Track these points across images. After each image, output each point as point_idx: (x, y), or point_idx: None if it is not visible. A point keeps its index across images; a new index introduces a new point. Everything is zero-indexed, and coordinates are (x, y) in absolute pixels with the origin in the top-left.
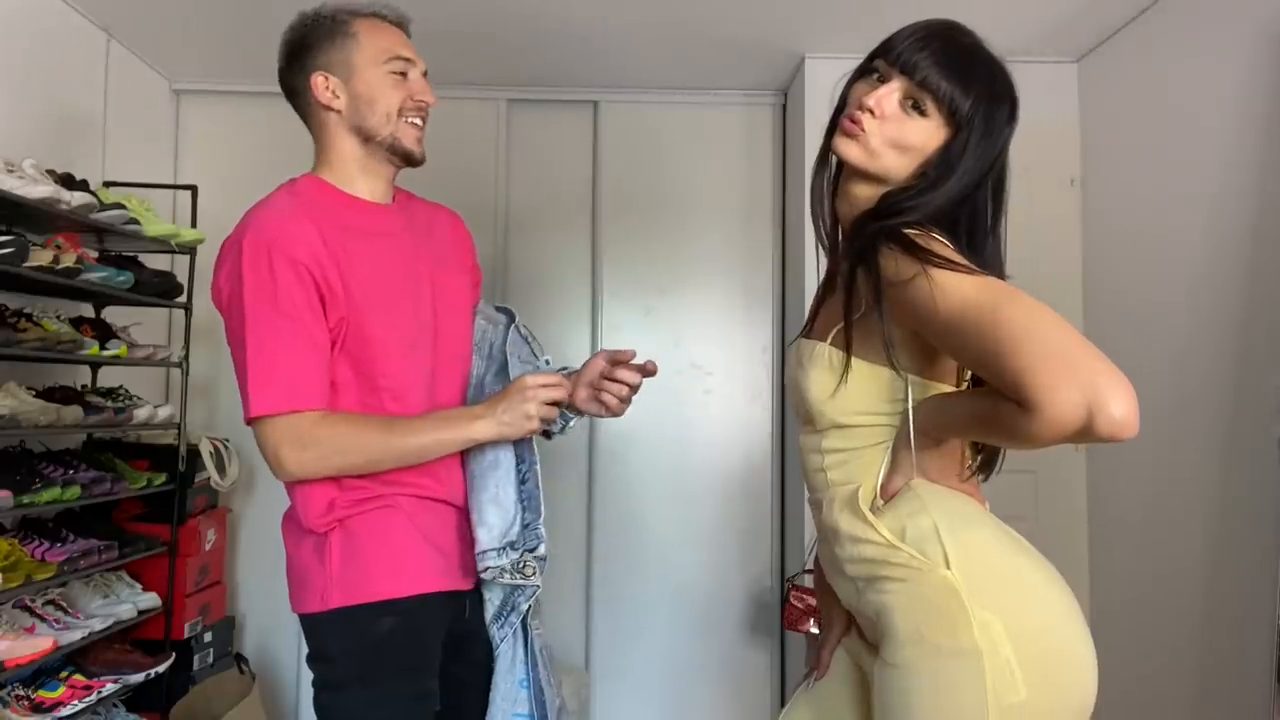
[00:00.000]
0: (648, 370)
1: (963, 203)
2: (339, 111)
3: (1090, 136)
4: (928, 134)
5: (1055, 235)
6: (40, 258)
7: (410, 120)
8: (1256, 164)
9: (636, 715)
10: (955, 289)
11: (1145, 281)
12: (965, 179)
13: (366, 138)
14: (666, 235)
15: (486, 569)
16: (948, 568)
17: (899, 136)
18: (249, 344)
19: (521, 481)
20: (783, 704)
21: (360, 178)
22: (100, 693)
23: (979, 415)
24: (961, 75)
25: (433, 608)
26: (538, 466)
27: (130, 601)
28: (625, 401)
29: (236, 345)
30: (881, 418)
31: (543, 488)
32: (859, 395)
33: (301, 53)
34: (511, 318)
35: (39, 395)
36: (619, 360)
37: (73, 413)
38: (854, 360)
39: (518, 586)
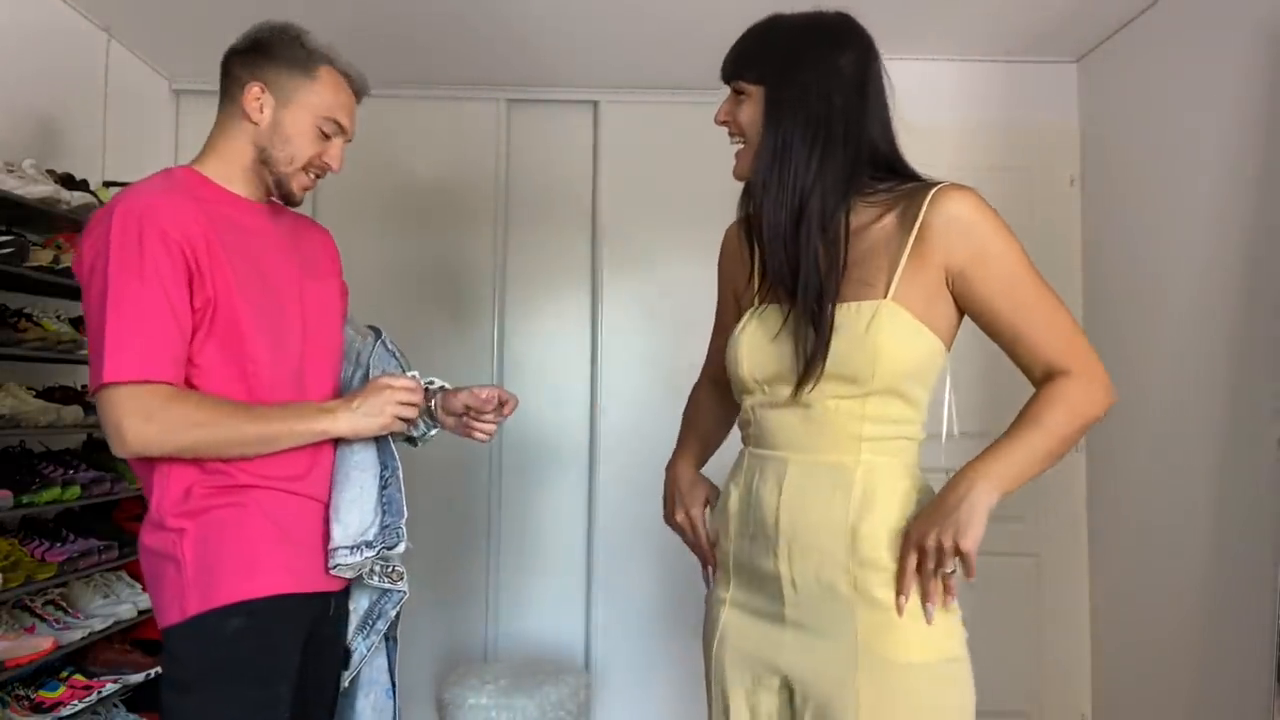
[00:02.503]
0: (505, 414)
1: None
2: (255, 124)
3: (1090, 136)
4: (752, 106)
5: (1055, 235)
6: (40, 258)
7: (308, 173)
8: (1256, 163)
9: (636, 715)
10: (1014, 239)
11: (1145, 281)
12: (805, 111)
13: (264, 160)
14: (667, 235)
15: (336, 565)
16: None
17: (739, 123)
18: (109, 310)
19: (383, 486)
20: None
21: (242, 178)
22: (100, 693)
23: (1060, 425)
24: (742, 48)
25: (289, 610)
26: (400, 472)
27: (130, 601)
28: (490, 436)
29: (95, 312)
30: (922, 393)
31: (404, 492)
32: (910, 358)
33: (260, 53)
34: (379, 334)
35: (39, 395)
36: (483, 410)
37: (73, 413)
38: (905, 315)
39: (386, 592)
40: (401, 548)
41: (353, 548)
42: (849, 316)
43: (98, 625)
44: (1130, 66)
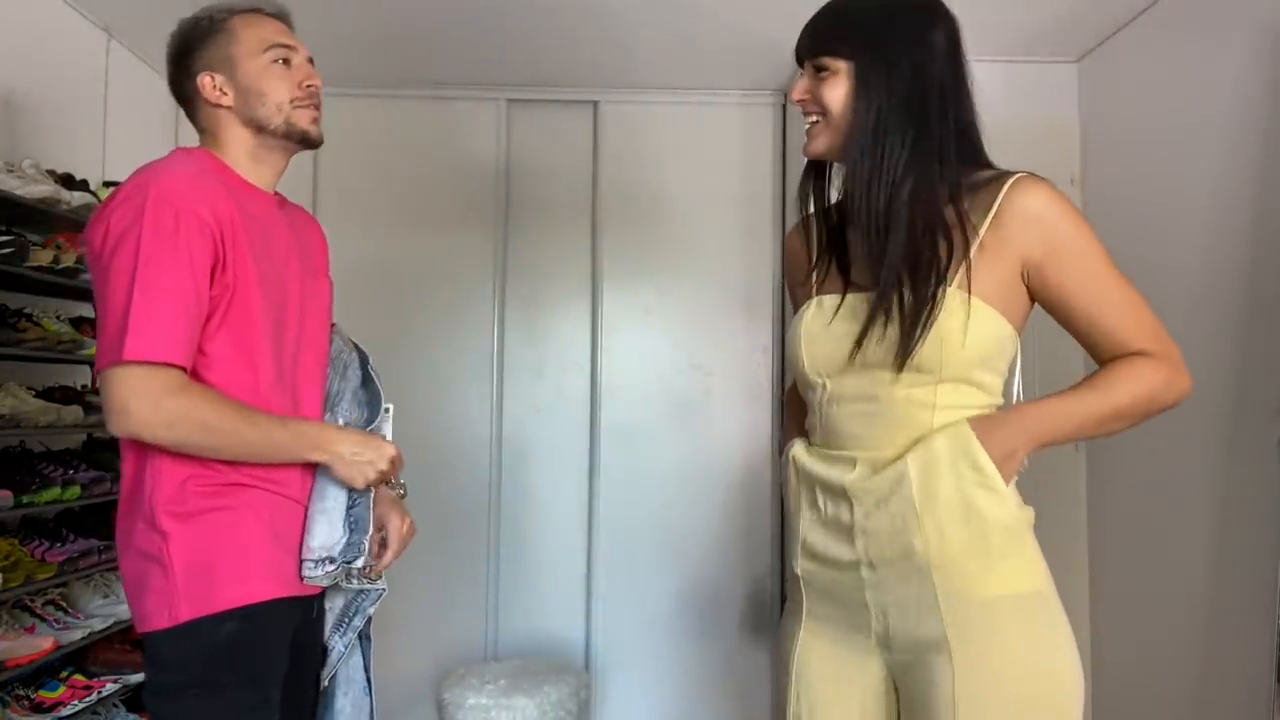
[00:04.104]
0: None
1: (925, 114)
2: (229, 107)
3: (1090, 136)
4: (838, 85)
5: None
6: (40, 258)
7: (301, 106)
8: (1256, 163)
9: (636, 715)
10: (1090, 232)
11: (1145, 281)
12: (898, 92)
13: (259, 128)
14: (666, 235)
15: (306, 577)
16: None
17: (822, 102)
18: (138, 286)
19: (351, 505)
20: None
21: (251, 165)
22: (100, 693)
23: (1124, 392)
24: (827, 23)
25: (280, 614)
26: (370, 500)
27: None
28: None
29: (117, 288)
30: (994, 379)
31: (372, 514)
32: (981, 344)
33: (184, 57)
34: (365, 356)
35: (39, 395)
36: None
37: (73, 413)
38: (975, 302)
39: (363, 591)
40: (359, 563)
41: (316, 561)
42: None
43: (98, 625)
44: (1130, 66)
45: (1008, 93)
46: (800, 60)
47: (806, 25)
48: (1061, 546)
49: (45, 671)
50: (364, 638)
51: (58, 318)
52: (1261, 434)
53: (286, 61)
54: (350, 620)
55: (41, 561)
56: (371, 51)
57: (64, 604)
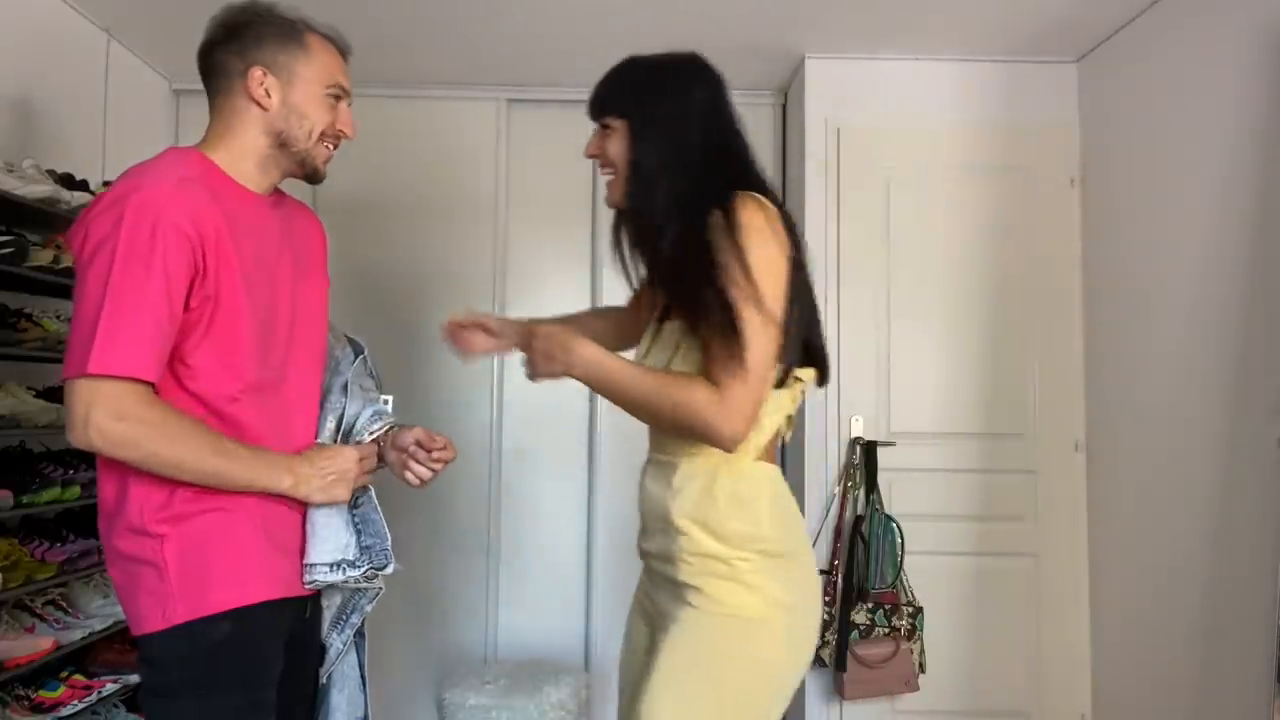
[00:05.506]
0: (445, 458)
1: (693, 157)
2: (264, 109)
3: (1090, 136)
4: (618, 139)
5: (1055, 235)
6: (40, 258)
7: (326, 144)
8: (1256, 163)
9: None
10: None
11: (1145, 281)
12: (666, 140)
13: (283, 143)
14: None
15: (313, 581)
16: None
17: (607, 156)
18: (108, 300)
19: (354, 505)
20: None
21: (253, 170)
22: (100, 693)
23: (667, 397)
24: (605, 85)
25: (275, 615)
26: (373, 495)
27: None
28: (422, 482)
29: (90, 297)
30: None
31: (382, 515)
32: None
33: (246, 37)
34: (361, 349)
35: (39, 395)
36: (430, 447)
37: None
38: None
39: (360, 589)
40: (390, 569)
41: (332, 565)
42: (668, 333)
43: (98, 625)
44: (1130, 66)
45: (1008, 93)
46: (593, 118)
47: (594, 89)
48: (1062, 546)
49: (45, 671)
50: (359, 635)
51: (58, 318)
52: (1261, 434)
53: (336, 100)
54: (348, 618)
55: (41, 561)
56: (371, 51)
57: (64, 604)
